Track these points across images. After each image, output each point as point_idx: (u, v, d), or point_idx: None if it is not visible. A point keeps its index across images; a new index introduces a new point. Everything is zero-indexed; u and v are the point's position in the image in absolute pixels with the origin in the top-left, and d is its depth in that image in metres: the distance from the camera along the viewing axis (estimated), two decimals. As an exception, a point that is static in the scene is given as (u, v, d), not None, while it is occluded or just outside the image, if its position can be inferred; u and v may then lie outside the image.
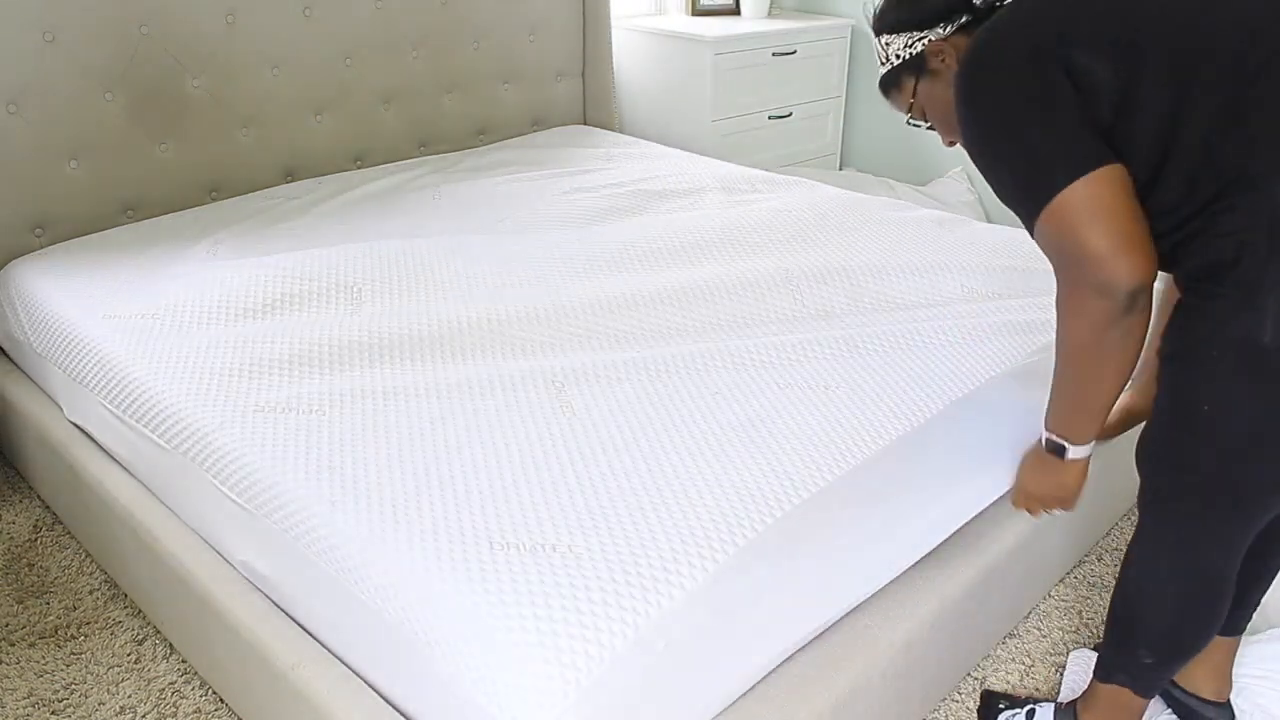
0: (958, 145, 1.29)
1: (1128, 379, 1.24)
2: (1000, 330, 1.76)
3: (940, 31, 1.31)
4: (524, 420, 1.46)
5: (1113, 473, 1.88)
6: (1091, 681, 1.43)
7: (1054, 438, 1.32)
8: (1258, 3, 1.08)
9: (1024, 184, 1.16)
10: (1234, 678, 1.52)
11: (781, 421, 1.46)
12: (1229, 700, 1.50)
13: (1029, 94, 1.14)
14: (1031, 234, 1.18)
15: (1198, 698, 1.49)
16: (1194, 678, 1.49)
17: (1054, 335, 1.25)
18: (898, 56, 1.35)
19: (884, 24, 1.36)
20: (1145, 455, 1.26)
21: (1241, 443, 1.12)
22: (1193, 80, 1.07)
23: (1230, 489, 1.17)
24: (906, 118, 1.39)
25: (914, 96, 1.36)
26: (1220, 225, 1.07)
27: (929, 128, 1.41)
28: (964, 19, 1.30)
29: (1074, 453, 1.31)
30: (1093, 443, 1.31)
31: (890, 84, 1.39)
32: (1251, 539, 1.23)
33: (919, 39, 1.32)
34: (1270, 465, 1.13)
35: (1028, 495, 1.43)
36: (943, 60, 1.32)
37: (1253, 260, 1.05)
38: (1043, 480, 1.39)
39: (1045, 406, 1.34)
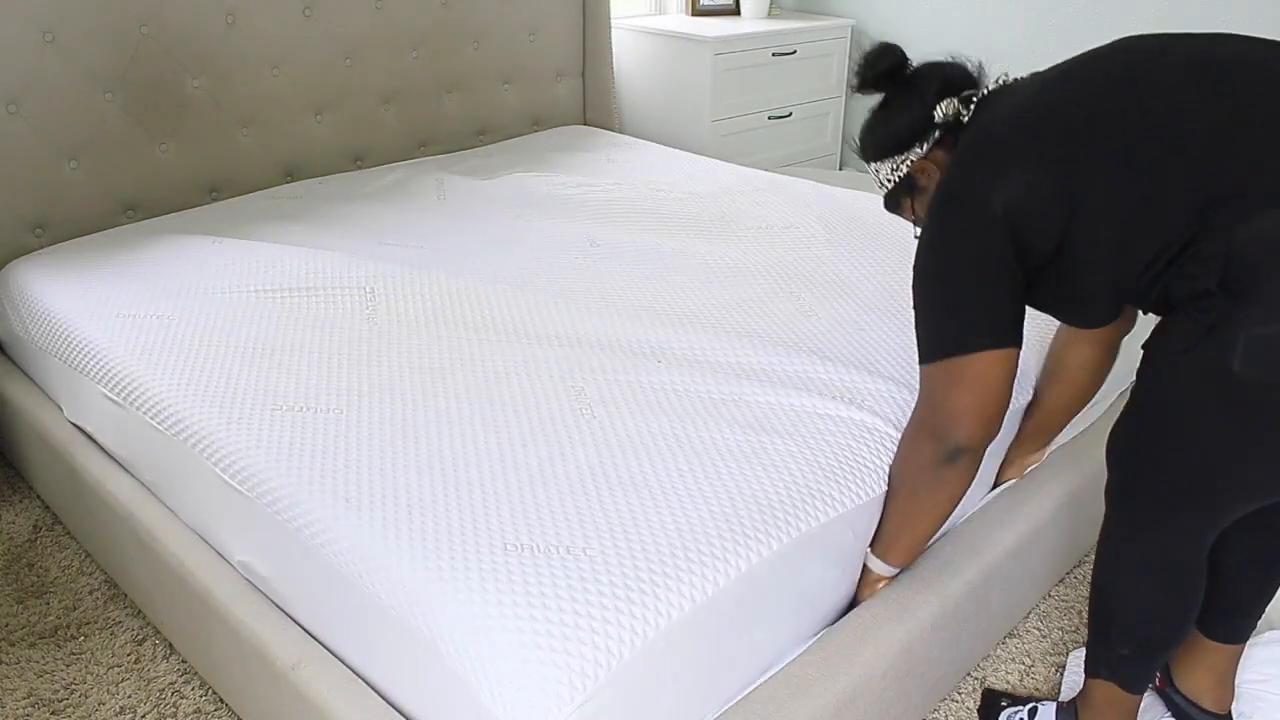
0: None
1: (933, 530, 1.42)
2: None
3: (919, 151, 1.35)
4: (542, 422, 1.45)
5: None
6: (1084, 678, 1.44)
7: (873, 559, 1.44)
8: (1187, 72, 1.15)
9: (940, 329, 1.27)
10: (1235, 684, 1.52)
11: (806, 431, 1.44)
12: (1230, 711, 1.50)
13: (974, 253, 1.23)
14: (920, 362, 1.30)
15: (1199, 707, 1.49)
16: (1196, 686, 1.49)
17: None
18: (889, 180, 1.40)
19: (867, 153, 1.41)
20: (1115, 449, 1.28)
21: (1210, 452, 1.14)
22: (1147, 168, 1.13)
23: (1195, 492, 1.19)
24: (914, 233, 1.42)
25: (913, 213, 1.41)
26: (1190, 269, 1.12)
27: None
28: (936, 135, 1.33)
29: (882, 570, 1.44)
30: (893, 569, 1.45)
31: (892, 205, 1.44)
32: (1217, 534, 1.25)
33: (901, 162, 1.36)
34: (1236, 474, 1.15)
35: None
36: (928, 176, 1.35)
37: (1222, 298, 1.08)
38: (863, 585, 1.48)
39: None
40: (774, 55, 3.43)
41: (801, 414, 1.49)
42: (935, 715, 1.59)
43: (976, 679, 1.65)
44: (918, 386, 1.34)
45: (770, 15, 3.66)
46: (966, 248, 1.24)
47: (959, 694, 1.62)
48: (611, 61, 3.26)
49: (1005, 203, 1.19)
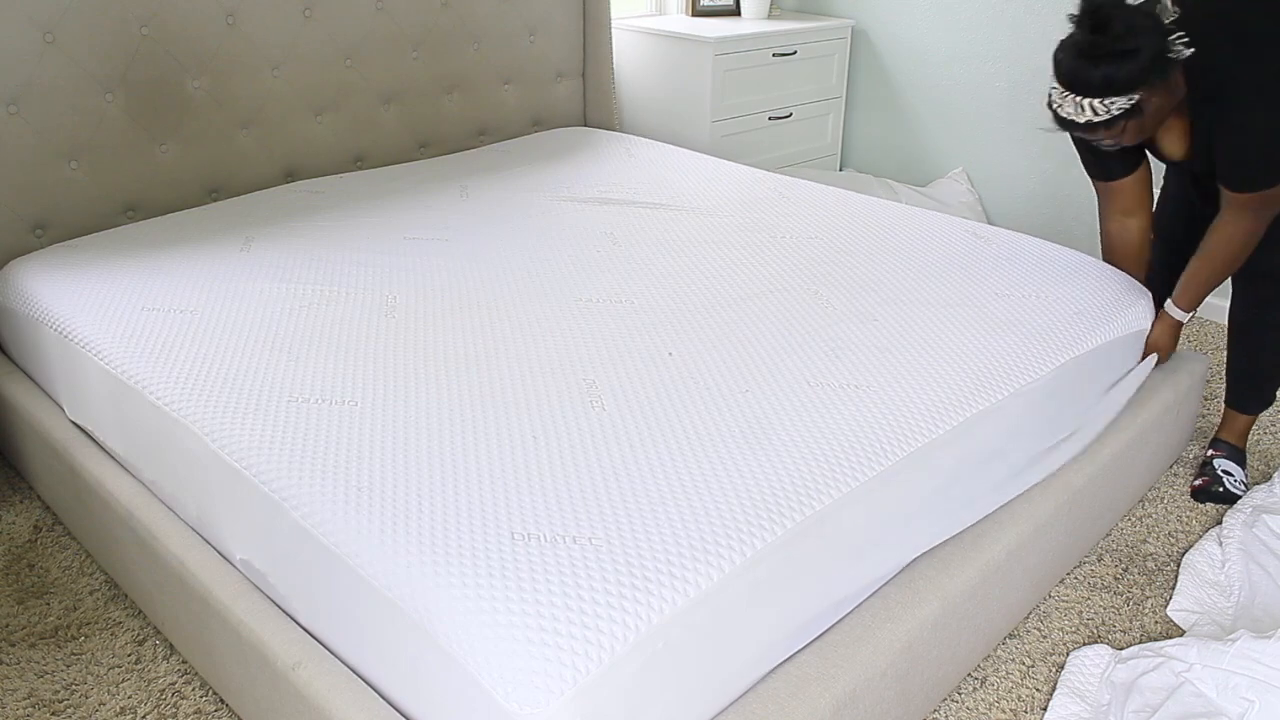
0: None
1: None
2: (1026, 338, 1.77)
3: (1154, 82, 1.71)
4: (553, 414, 1.47)
5: (1111, 477, 1.89)
6: (1236, 417, 2.20)
7: (1184, 311, 2.02)
8: None
9: None
10: (1250, 674, 1.52)
11: (810, 421, 1.46)
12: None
13: None
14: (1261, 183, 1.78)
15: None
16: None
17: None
18: (1120, 109, 1.71)
19: (1108, 89, 1.70)
20: None
21: None
22: None
23: None
24: (1100, 141, 1.82)
25: (1123, 131, 1.76)
26: None
27: (1113, 147, 1.84)
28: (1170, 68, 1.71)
29: (1184, 317, 2.03)
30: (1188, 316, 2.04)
31: (1100, 128, 1.75)
32: None
33: (1139, 91, 1.70)
34: None
35: (1166, 350, 2.07)
36: (1159, 99, 1.74)
37: None
38: (1173, 340, 2.07)
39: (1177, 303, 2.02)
40: (774, 56, 3.43)
41: (810, 405, 1.50)
42: (935, 715, 1.59)
43: (976, 679, 1.65)
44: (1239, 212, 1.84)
45: (770, 16, 3.66)
46: None
47: (959, 694, 1.62)
48: (611, 62, 3.26)
49: None
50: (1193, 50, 1.71)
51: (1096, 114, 1.71)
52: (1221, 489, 2.12)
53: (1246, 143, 1.76)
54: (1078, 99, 1.73)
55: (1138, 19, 1.67)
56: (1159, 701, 1.54)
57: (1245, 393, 2.18)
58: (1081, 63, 1.69)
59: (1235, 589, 1.81)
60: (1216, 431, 2.27)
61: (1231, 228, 1.88)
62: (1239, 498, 2.10)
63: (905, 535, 1.50)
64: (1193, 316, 2.07)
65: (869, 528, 1.40)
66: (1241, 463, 2.20)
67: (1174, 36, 1.70)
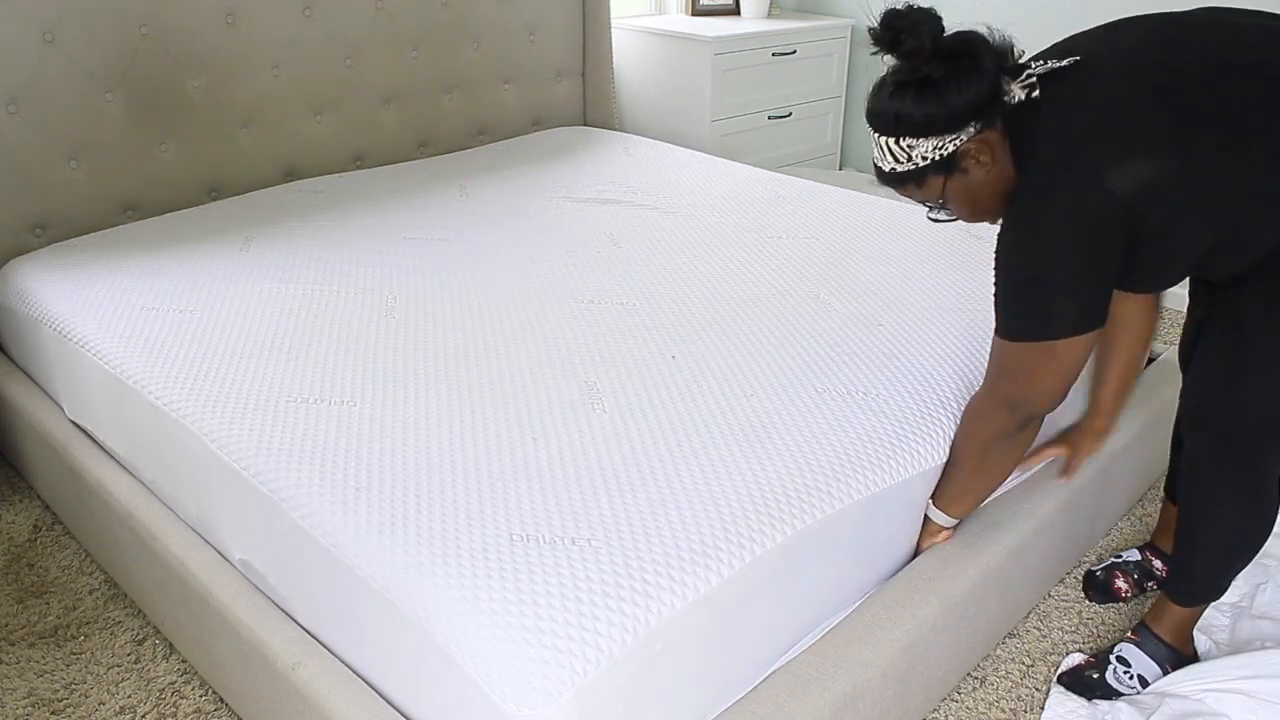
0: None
1: (1000, 484, 1.53)
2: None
3: (972, 130, 1.24)
4: (554, 416, 1.47)
5: (1110, 477, 1.89)
6: (1167, 605, 1.59)
7: (935, 510, 1.53)
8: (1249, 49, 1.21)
9: (1040, 313, 1.27)
10: (1248, 692, 1.52)
11: (813, 426, 1.45)
12: None
13: (1086, 240, 1.21)
14: (1000, 334, 1.32)
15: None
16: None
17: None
18: (925, 158, 1.26)
19: (902, 128, 1.25)
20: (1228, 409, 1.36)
21: None
22: (1245, 142, 1.17)
23: None
24: (928, 212, 1.37)
25: (941, 194, 1.31)
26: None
27: (950, 219, 1.38)
28: (996, 116, 1.25)
29: (944, 521, 1.54)
30: (955, 521, 1.54)
31: (909, 181, 1.31)
32: None
33: (950, 140, 1.24)
34: None
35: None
36: (977, 159, 1.26)
37: None
38: (924, 535, 1.57)
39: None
40: (774, 55, 3.43)
41: (813, 410, 1.49)
42: (935, 715, 1.59)
43: (976, 679, 1.65)
44: (988, 358, 1.38)
45: (770, 15, 3.66)
46: (1078, 234, 1.21)
47: (959, 694, 1.62)
48: (611, 61, 3.26)
49: (1127, 187, 1.17)
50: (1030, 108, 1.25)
51: (898, 161, 1.28)
52: (1096, 675, 1.61)
53: (998, 278, 1.32)
54: (876, 137, 1.30)
55: (954, 43, 1.22)
56: (1155, 704, 1.54)
57: (1178, 576, 1.58)
58: (879, 93, 1.28)
59: (1235, 588, 1.81)
60: (1145, 615, 1.65)
61: (976, 399, 1.43)
62: (1116, 694, 1.59)
63: (907, 542, 1.50)
64: (956, 524, 1.54)
65: (871, 535, 1.40)
66: (1164, 664, 1.60)
67: (1021, 77, 1.25)
